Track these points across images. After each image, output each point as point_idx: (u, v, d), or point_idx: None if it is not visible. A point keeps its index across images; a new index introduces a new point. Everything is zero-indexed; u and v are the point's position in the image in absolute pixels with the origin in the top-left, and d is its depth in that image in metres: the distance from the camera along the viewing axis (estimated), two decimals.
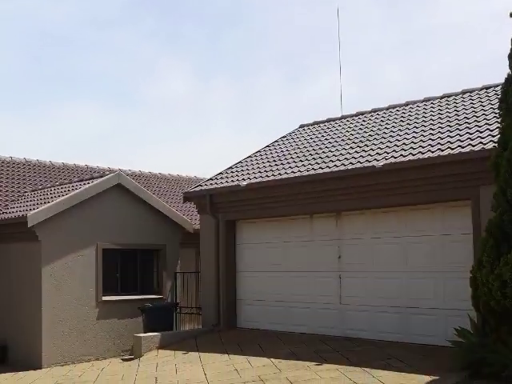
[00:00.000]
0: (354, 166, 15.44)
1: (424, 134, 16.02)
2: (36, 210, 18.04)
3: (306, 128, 22.12)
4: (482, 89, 18.57)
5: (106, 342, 19.08)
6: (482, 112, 16.14)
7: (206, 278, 19.04)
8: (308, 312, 16.88)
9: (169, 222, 20.88)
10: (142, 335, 17.57)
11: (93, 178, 20.57)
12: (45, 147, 51.45)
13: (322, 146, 18.56)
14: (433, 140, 15.12)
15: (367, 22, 51.57)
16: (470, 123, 15.48)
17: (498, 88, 16.11)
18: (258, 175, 18.10)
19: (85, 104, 55.13)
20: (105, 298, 19.25)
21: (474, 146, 13.54)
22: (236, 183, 18.12)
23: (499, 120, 12.13)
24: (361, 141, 17.58)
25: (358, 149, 16.85)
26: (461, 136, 14.59)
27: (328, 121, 21.87)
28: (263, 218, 17.97)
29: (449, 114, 17.12)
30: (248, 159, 20.40)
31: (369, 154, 15.98)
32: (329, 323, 16.35)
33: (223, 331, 18.10)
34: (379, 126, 18.53)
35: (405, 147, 15.39)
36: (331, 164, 16.36)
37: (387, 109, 20.38)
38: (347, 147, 17.41)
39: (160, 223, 20.72)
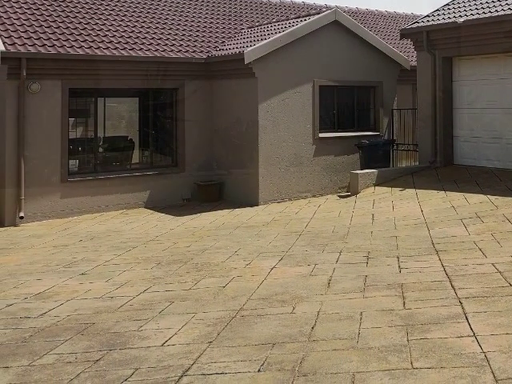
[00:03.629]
0: None
1: None
2: (253, 47, 18.66)
3: None
4: None
5: (322, 179, 19.94)
6: None
7: (422, 115, 20.14)
8: None
9: (385, 59, 21.52)
10: (359, 172, 18.71)
11: (309, 15, 20.96)
12: None
13: None
14: None
15: None
16: None
17: None
18: (474, 12, 18.68)
19: None
20: (321, 135, 19.97)
21: None
22: (453, 20, 18.81)
23: None
24: None
25: None
26: None
27: None
28: (480, 54, 18.69)
29: None
30: None
31: None
32: None
33: (440, 168, 19.31)
34: None
35: None
36: None
37: None
38: None
39: (376, 60, 21.38)
